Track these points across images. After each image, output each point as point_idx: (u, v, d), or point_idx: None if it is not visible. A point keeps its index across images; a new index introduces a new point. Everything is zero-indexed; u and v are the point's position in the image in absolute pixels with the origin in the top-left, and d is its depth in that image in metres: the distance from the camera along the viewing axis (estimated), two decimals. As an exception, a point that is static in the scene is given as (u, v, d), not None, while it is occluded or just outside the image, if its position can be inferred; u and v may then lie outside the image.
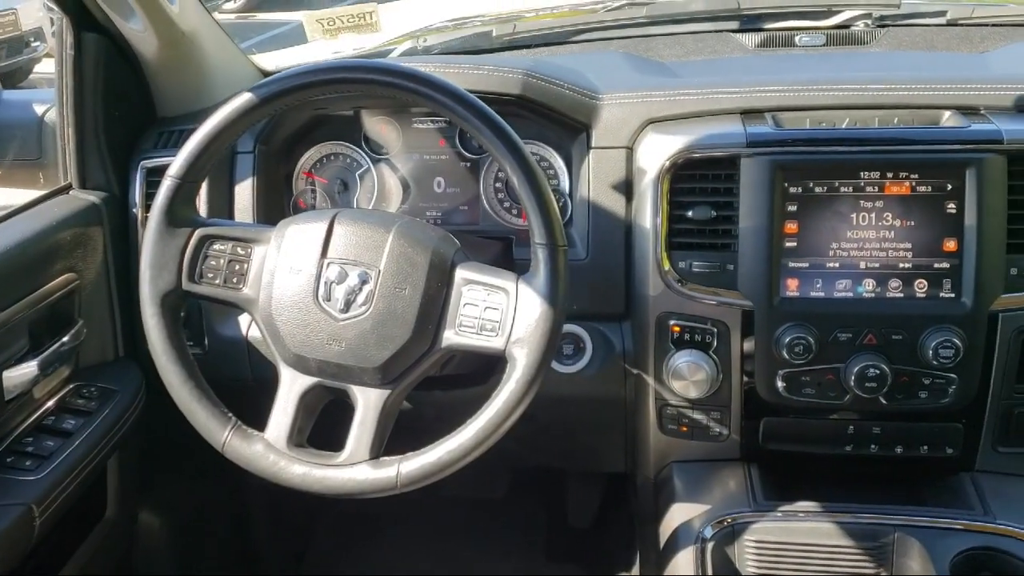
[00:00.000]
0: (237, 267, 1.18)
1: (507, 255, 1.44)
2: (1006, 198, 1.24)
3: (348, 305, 1.12)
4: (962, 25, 1.75)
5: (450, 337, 1.12)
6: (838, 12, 1.79)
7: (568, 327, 1.43)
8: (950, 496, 1.32)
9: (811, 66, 1.64)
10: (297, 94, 1.16)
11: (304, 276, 1.14)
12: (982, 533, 1.23)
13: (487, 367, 1.42)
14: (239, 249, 1.19)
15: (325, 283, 1.13)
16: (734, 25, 1.83)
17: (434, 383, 1.37)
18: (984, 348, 1.26)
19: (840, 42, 1.73)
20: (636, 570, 1.67)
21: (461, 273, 1.13)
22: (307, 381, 1.15)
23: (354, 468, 1.12)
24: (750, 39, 1.76)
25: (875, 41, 1.72)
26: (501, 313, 1.10)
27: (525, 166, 1.10)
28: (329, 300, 1.13)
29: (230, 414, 1.17)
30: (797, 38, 1.74)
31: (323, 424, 1.18)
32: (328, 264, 1.14)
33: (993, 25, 1.73)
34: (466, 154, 1.52)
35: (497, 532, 2.12)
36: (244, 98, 1.15)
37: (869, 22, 1.76)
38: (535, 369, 1.09)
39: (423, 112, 1.52)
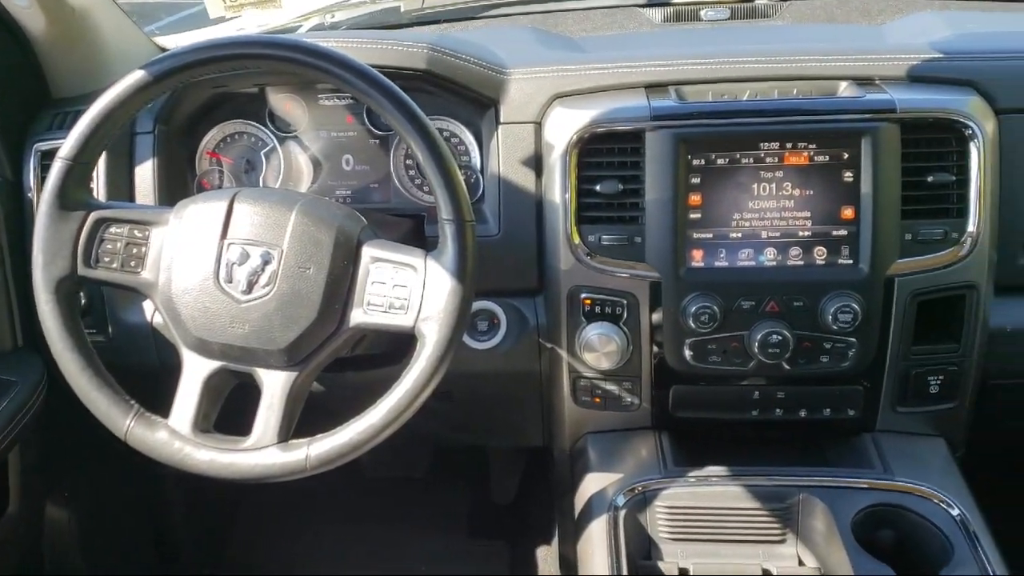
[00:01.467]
0: (135, 250, 1.15)
1: (418, 232, 1.43)
2: (900, 166, 1.28)
3: (251, 286, 1.10)
4: (860, -2, 1.79)
5: (358, 316, 1.11)
6: (743, -14, 1.82)
7: (482, 303, 1.43)
8: (852, 456, 1.36)
9: (715, 39, 1.66)
10: (192, 71, 1.13)
11: (204, 258, 1.11)
12: (882, 491, 1.27)
13: (401, 346, 1.41)
14: (136, 232, 1.15)
15: (226, 264, 1.11)
16: (642, 0, 1.85)
17: (346, 364, 1.35)
18: (881, 312, 1.30)
19: (744, 16, 1.76)
20: (556, 542, 1.69)
21: (368, 251, 1.11)
22: (211, 365, 1.13)
23: (262, 452, 1.10)
24: (656, 14, 1.78)
25: (778, 14, 1.75)
26: (409, 290, 1.10)
27: (429, 141, 1.09)
28: (231, 282, 1.11)
29: (132, 401, 1.15)
30: (702, 12, 1.77)
31: (237, 409, 1.17)
32: (229, 245, 1.11)
33: (892, -2, 1.78)
34: (375, 131, 1.50)
35: (420, 511, 2.12)
36: (137, 76, 1.11)
37: (772, -4, 1.80)
38: (445, 346, 1.08)
39: (329, 89, 1.49)
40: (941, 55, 1.37)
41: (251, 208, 1.12)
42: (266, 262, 1.10)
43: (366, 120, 1.50)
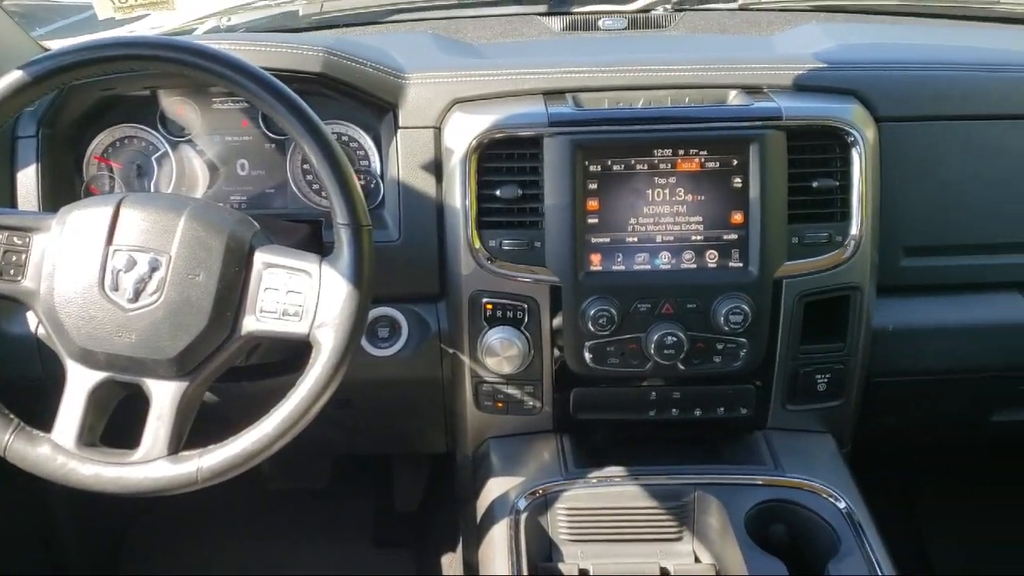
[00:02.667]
0: (15, 258, 1.11)
1: (316, 238, 1.41)
2: (786, 171, 1.32)
3: (138, 294, 1.07)
4: (752, 10, 1.85)
5: (250, 324, 1.09)
6: (640, -3, 1.86)
7: (383, 310, 1.42)
8: (745, 454, 1.40)
9: (611, 48, 1.69)
10: (74, 72, 1.09)
11: (88, 265, 1.08)
12: (773, 487, 1.31)
13: (298, 354, 1.38)
14: (16, 239, 1.11)
15: (112, 272, 1.08)
16: (542, 8, 1.87)
17: (241, 373, 1.33)
18: (770, 313, 1.34)
19: (641, 26, 1.80)
20: (460, 548, 1.68)
21: (260, 256, 1.10)
22: (96, 376, 1.09)
23: (151, 465, 1.07)
24: (556, 22, 1.79)
25: (673, 25, 1.79)
26: (304, 297, 1.08)
27: (323, 144, 1.08)
28: (117, 290, 1.07)
29: (11, 415, 1.10)
30: (601, 21, 1.79)
31: (130, 422, 1.13)
32: (115, 252, 1.08)
33: (779, 10, 1.84)
34: (270, 135, 1.48)
35: (323, 522, 2.09)
36: (13, 77, 1.07)
37: (668, 7, 1.84)
38: (341, 353, 1.07)
39: (223, 92, 1.46)
40: (825, 65, 1.43)
41: (138, 213, 1.09)
42: (154, 269, 1.07)
43: (261, 124, 1.48)
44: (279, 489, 2.05)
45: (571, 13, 1.84)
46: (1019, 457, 2.02)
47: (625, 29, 1.78)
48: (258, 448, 1.07)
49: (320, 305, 1.07)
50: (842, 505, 1.27)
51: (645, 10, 1.84)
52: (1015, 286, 1.47)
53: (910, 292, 1.45)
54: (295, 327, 1.08)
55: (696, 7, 1.86)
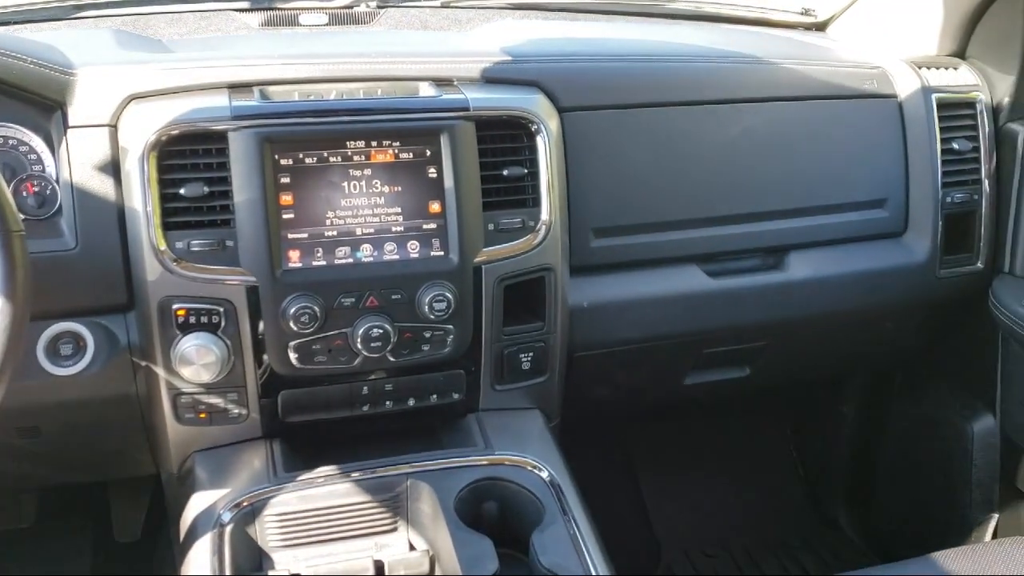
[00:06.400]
0: None
1: None
2: (478, 161, 1.36)
3: None
4: (454, 7, 1.89)
5: None
6: (344, -7, 1.85)
7: (65, 325, 1.31)
8: (460, 437, 1.42)
9: (307, 43, 1.66)
10: None
11: None
12: (483, 466, 1.33)
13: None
14: None
15: None
16: (243, 4, 1.81)
17: None
18: (473, 298, 1.37)
19: (343, 22, 1.79)
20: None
21: None
22: None
23: None
24: (254, 18, 1.75)
25: (376, 21, 1.80)
26: None
27: None
28: None
29: None
30: (301, 17, 1.77)
31: None
32: None
33: (480, 8, 1.90)
34: None
35: (34, 564, 1.90)
36: None
37: (372, 3, 1.84)
38: None
39: None
40: (511, 59, 1.48)
41: None
42: None
43: None
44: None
45: (271, 9, 1.80)
46: (720, 418, 2.21)
47: (326, 25, 1.77)
48: None
49: None
50: (545, 475, 1.31)
51: (348, 7, 1.83)
52: (693, 259, 1.60)
53: (601, 270, 1.54)
54: None
55: (399, 4, 1.87)
